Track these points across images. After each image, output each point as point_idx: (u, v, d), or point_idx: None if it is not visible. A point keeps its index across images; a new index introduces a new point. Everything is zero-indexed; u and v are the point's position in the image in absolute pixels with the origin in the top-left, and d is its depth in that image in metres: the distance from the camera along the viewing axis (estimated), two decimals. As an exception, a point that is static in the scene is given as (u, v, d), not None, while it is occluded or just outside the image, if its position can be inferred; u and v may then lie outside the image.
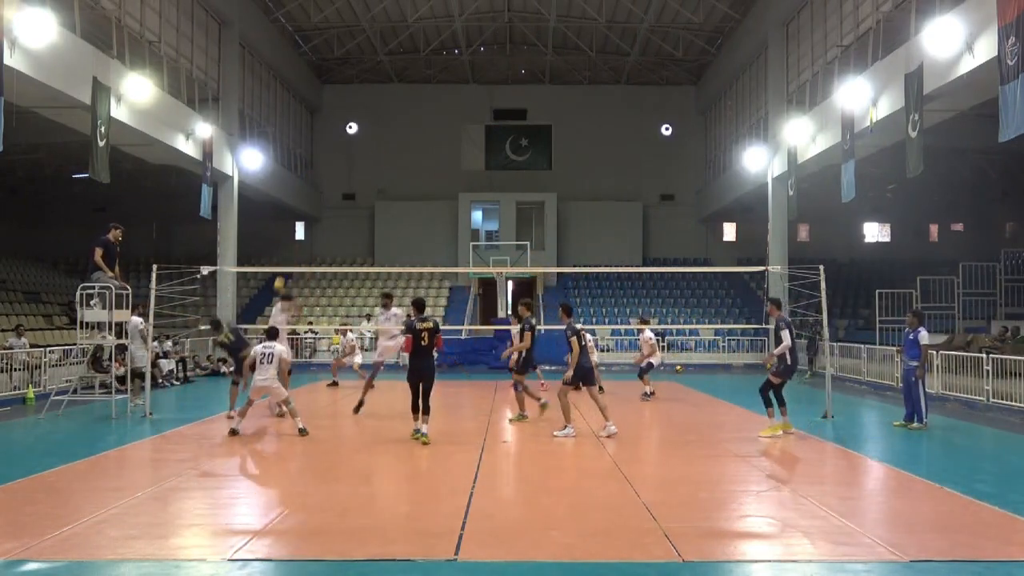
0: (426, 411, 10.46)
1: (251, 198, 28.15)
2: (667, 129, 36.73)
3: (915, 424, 11.96)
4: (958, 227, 36.91)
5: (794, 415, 13.90)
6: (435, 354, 10.63)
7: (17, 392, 15.15)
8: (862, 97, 18.68)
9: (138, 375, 14.16)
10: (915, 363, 11.99)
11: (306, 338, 27.12)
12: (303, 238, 37.15)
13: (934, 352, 16.88)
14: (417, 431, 10.40)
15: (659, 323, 28.63)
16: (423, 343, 10.28)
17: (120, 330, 13.78)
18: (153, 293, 13.55)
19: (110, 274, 13.14)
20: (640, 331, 17.17)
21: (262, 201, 29.89)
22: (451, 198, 34.80)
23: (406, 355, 10.78)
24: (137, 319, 14.29)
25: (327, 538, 6.19)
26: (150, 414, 13.13)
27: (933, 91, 15.91)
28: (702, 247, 36.63)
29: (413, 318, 10.48)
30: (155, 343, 17.03)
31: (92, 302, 12.80)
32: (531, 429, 12.19)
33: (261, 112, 29.86)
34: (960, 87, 15.79)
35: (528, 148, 36.33)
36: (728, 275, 34.14)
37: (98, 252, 13.04)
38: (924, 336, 11.91)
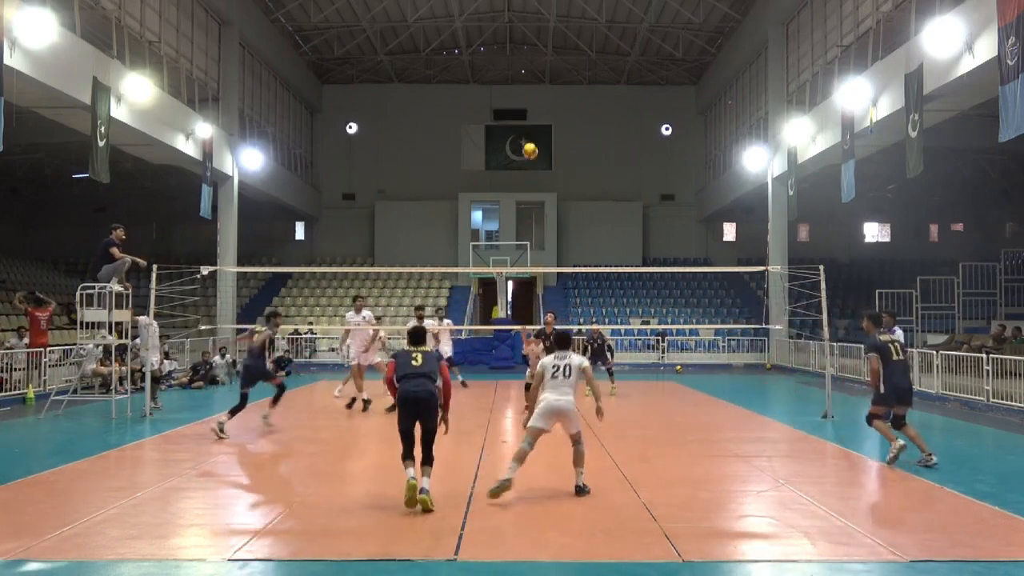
0: None
1: (251, 198, 28.15)
2: (667, 129, 36.72)
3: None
4: (958, 227, 36.91)
5: (794, 415, 13.94)
6: None
7: (17, 392, 15.14)
8: (862, 97, 18.68)
9: (154, 379, 14.14)
10: None
11: (306, 337, 27.13)
12: (303, 238, 37.16)
13: (934, 352, 16.90)
14: None
15: (659, 323, 28.67)
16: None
17: (121, 330, 13.80)
18: (153, 293, 13.57)
19: (129, 259, 13.29)
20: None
21: (262, 201, 29.89)
22: (451, 198, 34.81)
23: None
24: (154, 325, 14.27)
25: (327, 538, 6.19)
26: (150, 414, 13.15)
27: (933, 91, 15.91)
28: (702, 247, 36.63)
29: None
30: (164, 346, 17.11)
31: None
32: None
33: (261, 112, 29.86)
34: (960, 87, 15.79)
35: (528, 148, 36.27)
36: (728, 275, 34.12)
37: (115, 250, 13.18)
38: (899, 335, 12.14)
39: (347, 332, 14.43)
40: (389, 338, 16.61)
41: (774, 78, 26.73)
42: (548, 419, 7.58)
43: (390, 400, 13.56)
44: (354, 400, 14.08)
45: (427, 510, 6.79)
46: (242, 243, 26.98)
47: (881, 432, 9.35)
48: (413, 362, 7.30)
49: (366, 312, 14.57)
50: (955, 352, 16.68)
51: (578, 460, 7.65)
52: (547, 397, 7.60)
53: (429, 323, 14.43)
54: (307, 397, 16.97)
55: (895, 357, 9.18)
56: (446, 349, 16.71)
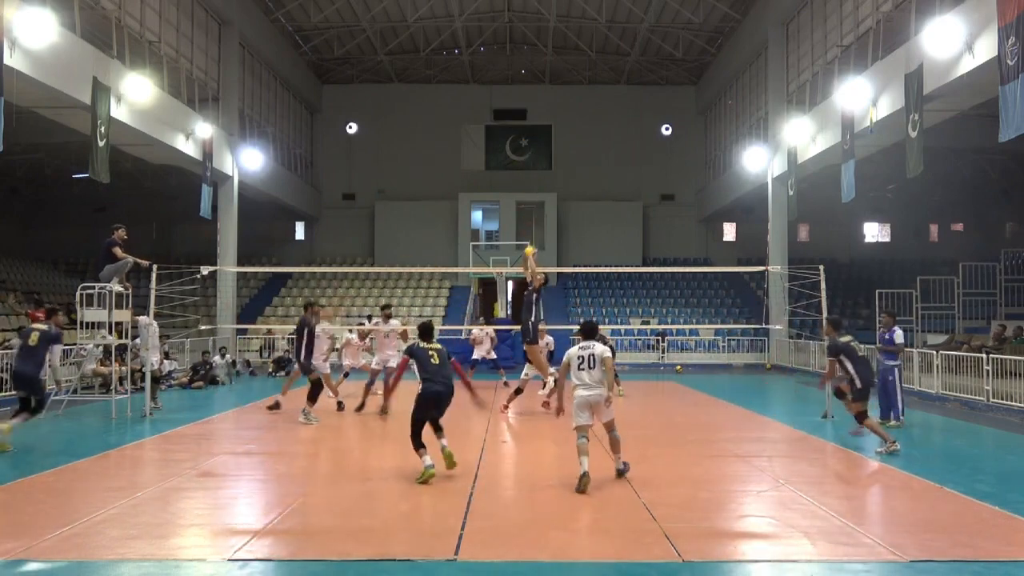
0: None
1: (251, 198, 28.15)
2: (667, 129, 36.72)
3: (892, 422, 12.01)
4: (958, 227, 36.91)
5: (794, 415, 13.93)
6: None
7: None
8: (862, 97, 18.67)
9: (154, 379, 14.13)
10: (892, 363, 12.26)
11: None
12: (303, 238, 37.16)
13: (934, 352, 16.90)
14: None
15: (659, 323, 28.68)
16: None
17: (121, 330, 13.79)
18: (153, 293, 13.57)
19: (131, 259, 13.30)
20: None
21: (262, 201, 29.89)
22: (451, 198, 34.81)
23: None
24: (154, 325, 14.26)
25: (327, 538, 6.20)
26: (150, 414, 13.15)
27: (933, 91, 15.91)
28: (702, 247, 36.63)
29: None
30: (164, 346, 17.07)
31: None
32: (531, 429, 12.20)
33: (261, 112, 29.86)
34: (960, 87, 15.78)
35: (528, 148, 36.33)
36: (728, 275, 34.12)
37: (117, 249, 13.19)
38: (899, 335, 12.30)
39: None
40: (371, 335, 16.71)
41: (774, 78, 26.73)
42: (585, 413, 7.93)
43: (374, 403, 13.78)
44: (341, 403, 14.14)
45: (452, 464, 7.99)
46: (242, 243, 26.98)
47: (874, 431, 10.02)
48: (433, 360, 8.08)
49: (324, 323, 14.79)
50: (955, 352, 16.68)
51: (615, 446, 8.16)
52: (579, 393, 7.93)
53: (394, 322, 14.44)
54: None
55: (860, 354, 10.24)
56: (483, 351, 18.77)
